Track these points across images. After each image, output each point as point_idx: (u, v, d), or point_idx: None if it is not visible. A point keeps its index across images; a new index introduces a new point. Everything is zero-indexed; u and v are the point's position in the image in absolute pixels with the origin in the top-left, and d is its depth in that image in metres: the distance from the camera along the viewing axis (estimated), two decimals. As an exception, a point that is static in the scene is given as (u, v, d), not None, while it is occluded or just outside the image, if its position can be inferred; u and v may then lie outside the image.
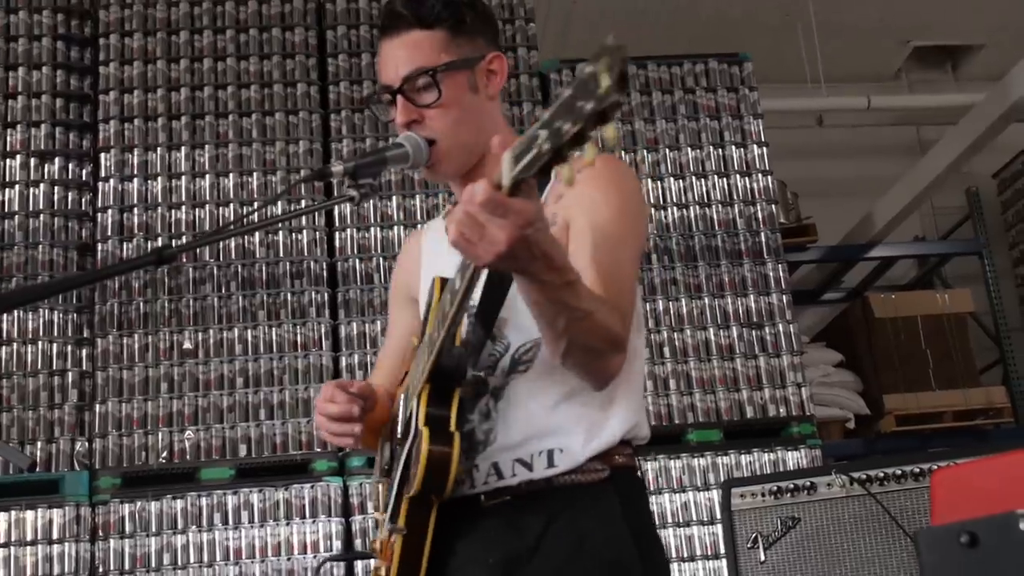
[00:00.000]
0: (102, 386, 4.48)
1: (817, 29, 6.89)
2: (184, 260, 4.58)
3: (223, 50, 4.97)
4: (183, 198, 4.73)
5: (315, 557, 4.29)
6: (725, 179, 5.09)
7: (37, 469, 4.28)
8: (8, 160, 4.72)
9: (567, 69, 5.16)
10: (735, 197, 5.06)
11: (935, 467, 3.22)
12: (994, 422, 6.28)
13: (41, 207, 4.67)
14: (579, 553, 1.94)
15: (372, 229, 4.77)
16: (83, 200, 4.77)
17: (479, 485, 1.98)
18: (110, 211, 4.69)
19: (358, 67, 5.02)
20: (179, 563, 4.28)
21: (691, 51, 5.42)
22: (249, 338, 4.58)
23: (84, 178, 4.79)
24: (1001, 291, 6.94)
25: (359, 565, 4.33)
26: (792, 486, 3.53)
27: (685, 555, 4.50)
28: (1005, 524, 2.18)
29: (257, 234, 4.69)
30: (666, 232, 4.96)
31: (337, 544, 4.35)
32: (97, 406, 4.45)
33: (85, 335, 4.58)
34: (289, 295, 4.64)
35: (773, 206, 5.10)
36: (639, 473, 2.08)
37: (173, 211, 4.71)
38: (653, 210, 4.99)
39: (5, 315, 4.51)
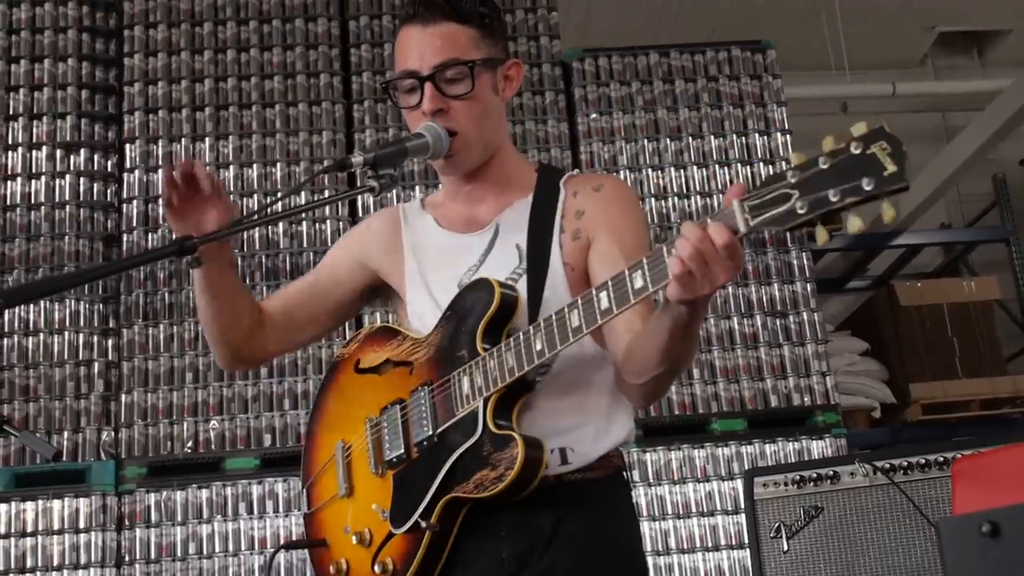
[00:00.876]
0: (128, 376, 4.51)
1: (841, 15, 6.84)
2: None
3: (246, 41, 4.98)
4: (207, 189, 4.74)
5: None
6: (749, 167, 5.06)
7: (63, 459, 4.32)
8: (34, 151, 4.75)
9: (589, 58, 5.15)
10: (759, 185, 5.02)
11: (959, 456, 3.20)
12: (1021, 410, 6.24)
13: (67, 198, 4.69)
14: (595, 541, 2.01)
15: (395, 219, 4.77)
16: (108, 191, 4.79)
17: None
18: (135, 202, 4.72)
19: (381, 57, 5.02)
20: (204, 552, 4.31)
21: (714, 39, 5.40)
22: (273, 328, 4.59)
23: (109, 169, 4.82)
24: (1028, 278, 6.89)
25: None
26: (815, 475, 3.52)
27: (709, 545, 4.50)
28: (1028, 514, 2.17)
29: (280, 224, 4.70)
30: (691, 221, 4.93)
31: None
32: (123, 396, 4.48)
33: (111, 325, 4.61)
34: (313, 285, 4.64)
35: (797, 194, 5.07)
36: (625, 474, 2.17)
37: (197, 202, 4.72)
38: (677, 199, 4.97)
39: (31, 306, 4.54)
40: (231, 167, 4.78)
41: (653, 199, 4.94)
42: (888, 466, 3.41)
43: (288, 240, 4.71)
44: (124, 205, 4.74)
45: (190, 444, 4.44)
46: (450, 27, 2.11)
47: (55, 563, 4.22)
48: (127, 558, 4.29)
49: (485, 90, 2.12)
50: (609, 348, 2.03)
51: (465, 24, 2.11)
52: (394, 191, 4.72)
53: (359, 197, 4.68)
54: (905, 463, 3.40)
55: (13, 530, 4.25)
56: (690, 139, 5.07)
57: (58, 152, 4.75)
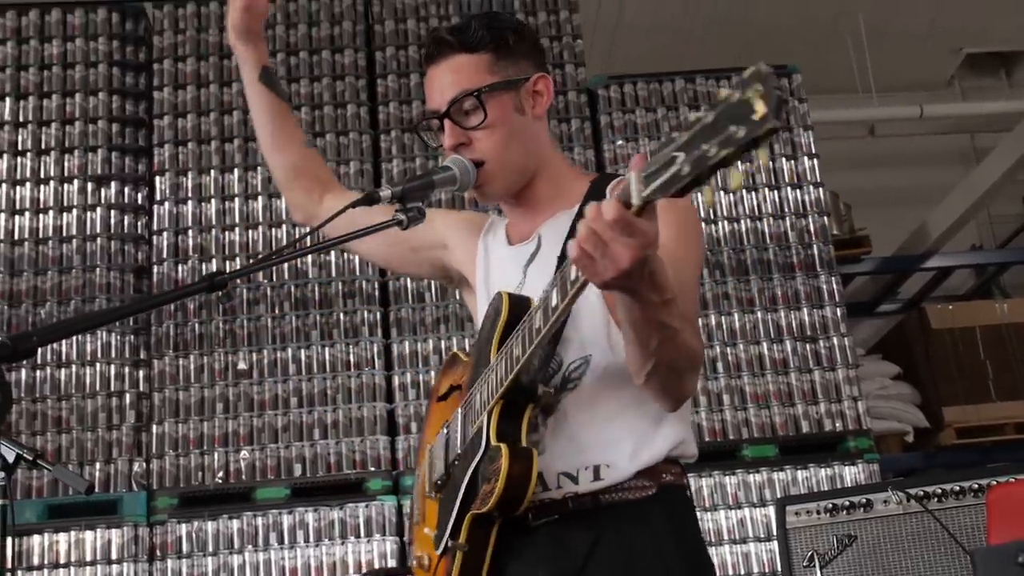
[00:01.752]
0: (159, 407, 4.53)
1: (867, 38, 6.83)
2: (236, 283, 4.62)
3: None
4: (236, 220, 4.78)
5: (370, 576, 4.31)
6: (776, 192, 5.05)
7: (95, 491, 4.34)
8: (66, 185, 4.80)
9: (615, 85, 5.16)
10: (786, 210, 5.02)
11: (994, 483, 3.16)
12: (1057, 433, 6.17)
13: (98, 231, 4.74)
14: (628, 572, 1.93)
15: (423, 248, 4.78)
16: (139, 223, 4.84)
17: None
18: (165, 234, 4.75)
19: (407, 87, 5.05)
20: (236, 582, 4.32)
21: (739, 64, 5.37)
22: (303, 358, 4.61)
23: (140, 201, 4.86)
24: (1062, 300, 6.82)
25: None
26: (848, 503, 3.49)
27: (742, 572, 4.46)
28: (1066, 543, 2.14)
29: (309, 255, 4.73)
30: (717, 246, 4.93)
31: (392, 564, 4.36)
32: (154, 427, 4.50)
33: (142, 356, 4.64)
34: (342, 315, 4.67)
35: (825, 218, 5.06)
36: (688, 492, 2.06)
37: (227, 233, 4.77)
38: (703, 224, 4.96)
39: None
40: (259, 198, 4.82)
41: (680, 225, 4.92)
42: (922, 493, 3.38)
43: (317, 270, 4.73)
44: (154, 237, 4.78)
45: (221, 474, 4.45)
46: (460, 59, 2.10)
47: (88, 594, 4.24)
48: (159, 589, 4.31)
49: (504, 114, 2.09)
50: None
51: (475, 52, 2.10)
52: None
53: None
54: (939, 490, 3.37)
55: (46, 561, 4.28)
56: (717, 164, 5.04)
57: (89, 185, 4.80)
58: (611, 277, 1.57)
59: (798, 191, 5.06)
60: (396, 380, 4.63)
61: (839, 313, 4.90)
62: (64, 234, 4.73)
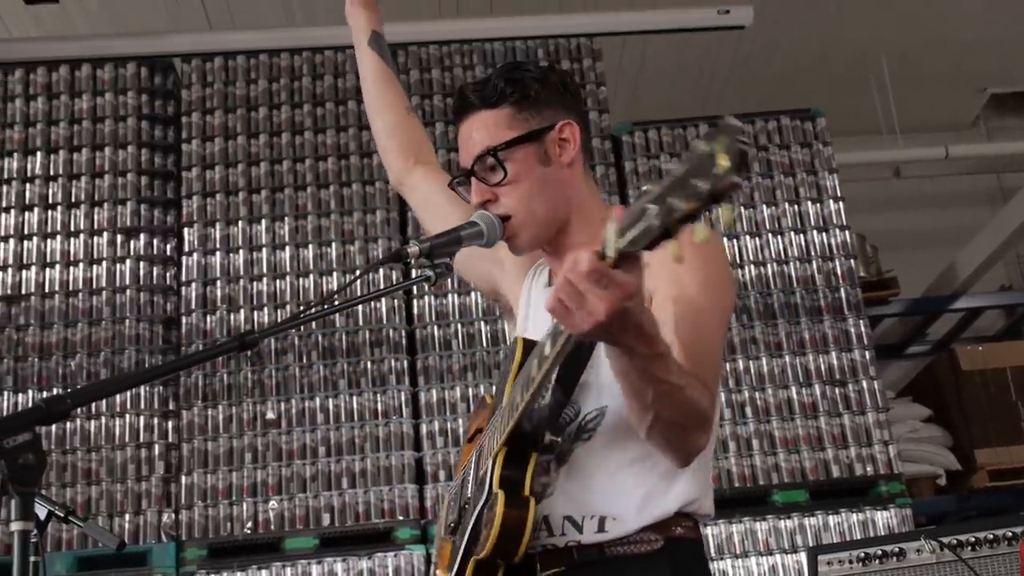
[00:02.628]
0: (187, 457, 4.54)
1: (890, 79, 6.84)
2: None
3: (301, 124, 5.07)
4: (264, 270, 4.81)
5: (399, 626, 4.29)
6: (802, 235, 5.04)
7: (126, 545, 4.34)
8: (96, 237, 4.85)
9: (639, 131, 5.19)
10: (813, 253, 5.01)
11: (1028, 530, 3.13)
12: (1091, 475, 6.09)
13: (127, 282, 4.78)
14: None
15: (450, 296, 4.80)
16: (167, 274, 4.87)
17: None
18: (194, 285, 4.79)
19: (432, 136, 5.08)
20: (265, 633, 4.31)
21: (763, 107, 5.41)
22: (331, 407, 4.62)
23: (168, 253, 4.90)
24: (1093, 340, 6.76)
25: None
26: (880, 552, 3.45)
27: (774, 619, 4.42)
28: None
29: (336, 298, 4.73)
30: (744, 290, 4.92)
31: (421, 613, 4.35)
32: (183, 478, 4.51)
33: (171, 407, 4.66)
34: (369, 363, 4.69)
35: (852, 261, 5.04)
36: (701, 546, 2.05)
37: (255, 283, 4.80)
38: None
39: (94, 389, 4.60)
40: (287, 248, 4.85)
41: (707, 270, 4.92)
42: (955, 542, 3.34)
43: (344, 319, 4.75)
44: (183, 288, 4.81)
45: (250, 525, 4.45)
46: (482, 115, 2.11)
47: (117, 647, 4.24)
48: (188, 641, 4.30)
49: (527, 168, 2.08)
50: None
51: (496, 107, 2.10)
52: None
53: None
54: (972, 538, 3.33)
55: (76, 614, 4.28)
56: (742, 208, 5.06)
57: (119, 237, 4.85)
58: (589, 328, 1.56)
59: (824, 234, 5.05)
60: (424, 428, 4.62)
61: (868, 356, 4.87)
62: (94, 286, 4.78)
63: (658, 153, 5.15)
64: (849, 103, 6.67)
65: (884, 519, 4.60)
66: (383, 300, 4.78)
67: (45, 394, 4.57)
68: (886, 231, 6.75)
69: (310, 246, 4.86)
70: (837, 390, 4.80)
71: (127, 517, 4.44)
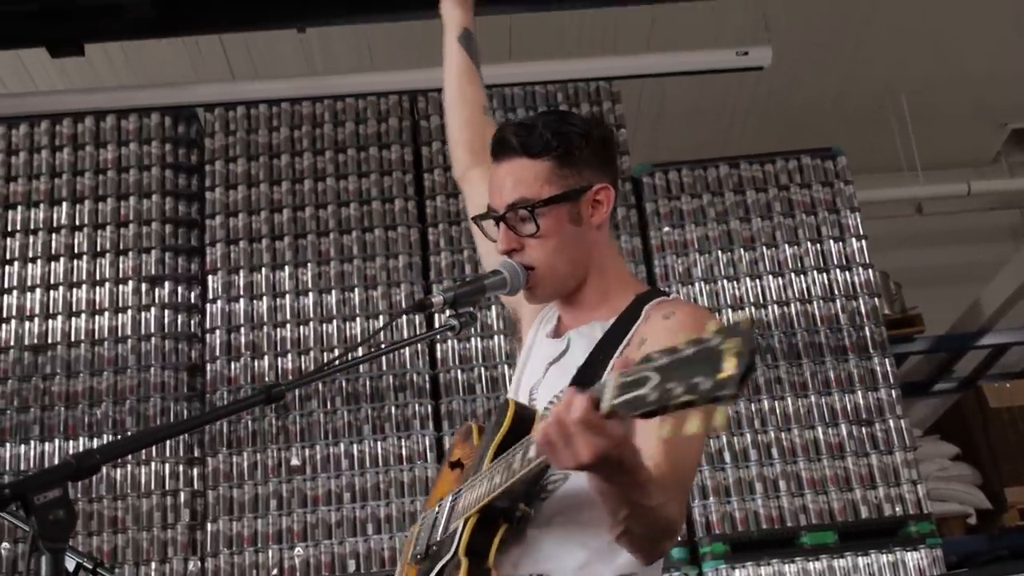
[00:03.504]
0: (213, 505, 4.55)
1: (910, 116, 6.84)
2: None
3: (323, 170, 5.11)
4: (288, 316, 4.83)
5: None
6: (825, 274, 5.03)
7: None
8: (121, 286, 4.89)
9: (659, 172, 5.19)
10: (836, 292, 5.00)
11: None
12: (1123, 512, 6.01)
13: (152, 330, 4.81)
14: None
15: (473, 340, 4.81)
16: (192, 322, 4.90)
17: None
18: (218, 332, 4.81)
19: (454, 181, 5.08)
20: None
21: (782, 146, 5.42)
22: (355, 453, 4.62)
23: (193, 300, 4.93)
24: (1122, 375, 6.70)
25: None
26: (912, 593, 3.42)
27: (805, 663, 4.37)
28: None
29: (360, 349, 4.75)
30: (768, 330, 4.91)
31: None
32: (209, 525, 4.51)
33: (196, 454, 4.66)
34: (393, 408, 4.69)
35: (876, 299, 5.02)
36: None
37: (279, 329, 4.81)
38: (753, 308, 4.95)
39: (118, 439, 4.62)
40: (310, 294, 4.87)
41: (730, 310, 4.92)
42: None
43: (367, 364, 4.74)
44: (207, 335, 4.83)
45: (275, 572, 4.44)
46: (522, 163, 2.10)
47: None
48: None
49: (559, 225, 2.09)
50: None
51: (538, 158, 2.09)
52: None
53: (436, 321, 4.71)
54: (1004, 581, 3.29)
55: (103, 664, 4.27)
56: (764, 248, 5.06)
57: (143, 286, 4.88)
58: (571, 467, 1.60)
59: (847, 272, 5.03)
60: (449, 473, 4.61)
61: (894, 395, 4.84)
62: (119, 334, 4.81)
63: (679, 194, 5.16)
64: (869, 140, 6.67)
65: (914, 560, 4.56)
66: (406, 347, 4.78)
67: (71, 443, 4.61)
68: (909, 268, 6.73)
69: (333, 292, 4.88)
70: (864, 429, 4.77)
71: (153, 565, 4.44)
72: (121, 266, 4.93)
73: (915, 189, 7.10)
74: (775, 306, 4.96)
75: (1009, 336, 6.74)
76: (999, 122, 7.47)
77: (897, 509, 4.65)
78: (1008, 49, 6.49)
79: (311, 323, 4.82)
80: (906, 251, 7.05)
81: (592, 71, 5.31)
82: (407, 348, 4.77)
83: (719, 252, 5.05)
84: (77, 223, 4.99)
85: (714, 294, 4.95)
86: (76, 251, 4.94)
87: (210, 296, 4.90)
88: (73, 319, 4.83)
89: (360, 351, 2.58)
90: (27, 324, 4.82)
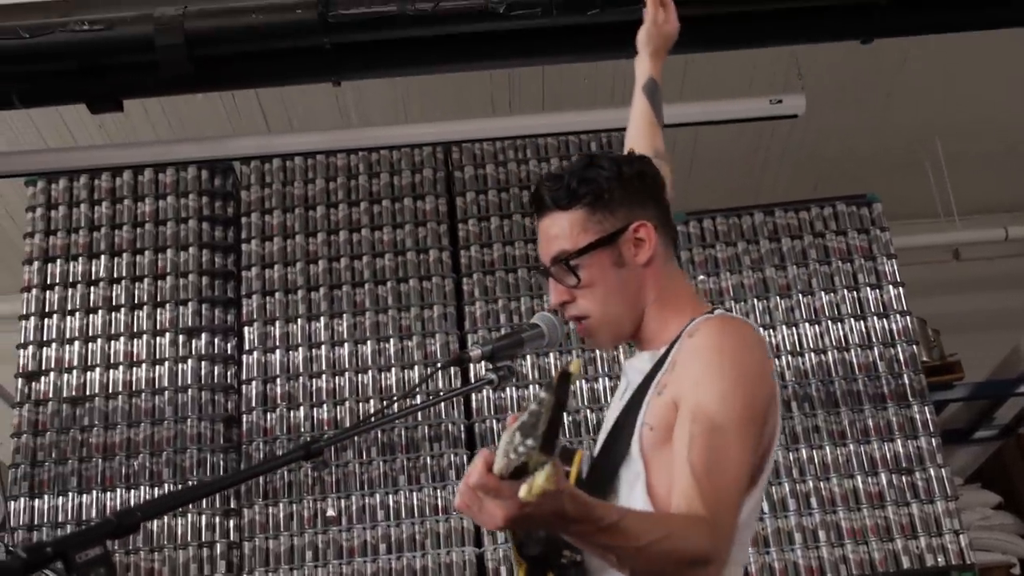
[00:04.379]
0: (249, 556, 4.54)
1: (945, 162, 6.80)
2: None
3: (358, 222, 5.14)
4: (323, 367, 4.85)
5: None
6: (862, 322, 4.99)
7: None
8: (158, 338, 4.92)
9: (694, 220, 5.19)
10: (874, 339, 4.96)
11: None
12: None
13: (189, 382, 4.83)
14: None
15: (508, 389, 4.79)
16: (228, 373, 4.92)
17: None
18: (254, 383, 4.83)
19: (487, 231, 5.12)
20: None
21: (817, 193, 5.41)
22: (391, 503, 4.61)
23: (229, 352, 4.96)
24: None
25: None
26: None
27: None
28: None
29: (397, 403, 4.75)
30: (805, 379, 4.87)
31: None
32: (245, 577, 4.51)
33: (232, 506, 4.67)
34: (428, 459, 4.68)
35: (914, 346, 4.98)
36: None
37: (314, 380, 4.83)
38: (790, 356, 4.91)
39: (155, 490, 4.64)
40: (346, 344, 4.88)
41: (766, 358, 4.88)
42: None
43: (403, 416, 4.74)
44: (243, 386, 4.85)
45: (311, 624, 4.42)
46: (555, 217, 2.10)
47: None
48: None
49: (602, 272, 2.08)
50: None
51: (569, 209, 2.09)
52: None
53: (471, 371, 4.71)
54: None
55: None
56: (800, 296, 5.03)
57: (180, 337, 4.91)
58: (497, 528, 1.60)
59: (885, 320, 5.00)
60: (484, 524, 4.58)
61: (934, 443, 4.78)
62: (156, 386, 4.83)
63: (713, 242, 5.15)
64: (905, 186, 6.63)
65: (958, 611, 4.48)
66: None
67: (108, 495, 4.62)
68: (947, 314, 6.66)
69: (368, 342, 4.89)
70: (904, 478, 4.71)
71: (189, 618, 4.43)
72: (158, 318, 4.97)
73: (952, 235, 7.05)
74: (812, 354, 4.93)
75: (1050, 382, 6.65)
76: (1035, 167, 7.42)
77: (940, 559, 4.58)
78: (1042, 94, 6.46)
79: (346, 374, 4.83)
80: (944, 297, 6.98)
81: (626, 121, 5.30)
82: (442, 402, 4.75)
83: (755, 300, 5.03)
84: (115, 275, 5.04)
85: (750, 342, 4.92)
86: (114, 303, 4.99)
87: (246, 347, 4.93)
88: (111, 371, 4.86)
89: (397, 405, 2.58)
90: (65, 376, 4.85)
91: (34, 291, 5.02)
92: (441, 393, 4.76)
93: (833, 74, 5.93)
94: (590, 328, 2.11)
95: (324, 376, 4.83)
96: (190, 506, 4.60)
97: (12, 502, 4.64)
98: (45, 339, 4.93)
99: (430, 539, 4.55)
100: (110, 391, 4.83)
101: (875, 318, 5.00)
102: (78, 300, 4.99)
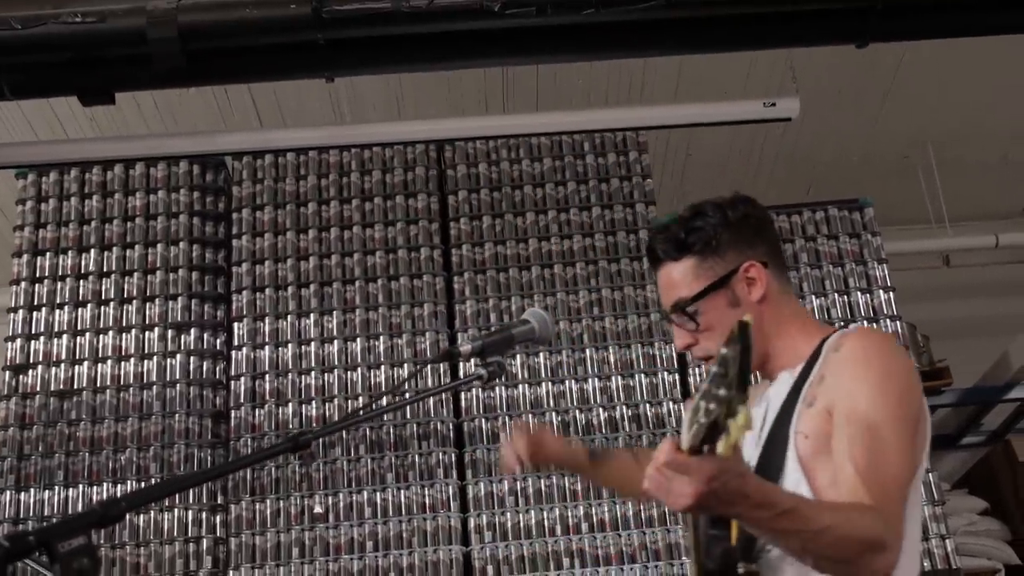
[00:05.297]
0: (235, 552, 4.53)
1: (938, 168, 6.81)
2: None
3: (349, 219, 5.13)
4: (312, 364, 4.84)
5: None
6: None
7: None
8: (147, 332, 4.91)
9: (686, 222, 5.17)
10: (864, 344, 4.95)
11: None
12: None
13: (177, 377, 4.82)
14: None
15: (497, 388, 4.79)
16: (217, 369, 4.91)
17: None
18: (243, 379, 4.82)
19: (479, 230, 5.11)
20: None
21: (810, 197, 5.41)
22: (378, 501, 4.60)
23: (218, 347, 4.94)
24: None
25: None
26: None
27: None
28: None
29: (386, 398, 4.75)
30: (794, 382, 4.86)
31: None
32: (231, 572, 4.49)
33: (219, 501, 4.65)
34: (416, 457, 4.67)
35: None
36: None
37: (303, 377, 4.82)
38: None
39: (141, 485, 4.62)
40: (335, 342, 4.87)
41: (756, 361, 4.89)
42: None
43: (391, 413, 4.73)
44: (232, 382, 4.84)
45: (297, 622, 4.41)
46: (668, 268, 2.22)
47: None
48: None
49: (719, 313, 2.17)
50: None
51: (680, 259, 2.19)
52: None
53: (460, 368, 4.70)
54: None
55: None
56: (791, 299, 5.02)
57: (169, 332, 4.90)
58: (683, 508, 1.64)
59: (874, 324, 5.00)
60: (472, 522, 4.58)
61: (923, 449, 4.77)
62: (144, 380, 4.82)
63: (705, 244, 5.13)
64: (897, 192, 6.64)
65: (944, 617, 4.49)
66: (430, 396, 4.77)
67: (95, 489, 4.60)
68: (937, 320, 6.67)
69: (358, 340, 4.88)
70: (892, 483, 4.71)
71: (174, 613, 4.42)
72: (147, 312, 4.95)
73: (943, 241, 7.05)
74: (802, 357, 4.92)
75: (1038, 389, 6.66)
76: (1027, 174, 7.43)
77: (925, 564, 4.58)
78: (1035, 101, 6.47)
79: (336, 371, 4.82)
80: (934, 303, 6.99)
81: (620, 121, 5.31)
82: (431, 397, 4.76)
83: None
84: (105, 270, 5.02)
85: (740, 345, 4.92)
86: (103, 297, 4.97)
87: (235, 343, 4.91)
88: (99, 365, 4.85)
89: (386, 400, 2.57)
90: (53, 370, 4.84)
91: (23, 284, 5.00)
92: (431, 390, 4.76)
93: (828, 78, 5.93)
94: None
95: (313, 373, 4.82)
96: (176, 501, 4.59)
97: (-2, 495, 4.62)
98: (33, 332, 4.91)
99: (417, 537, 4.54)
100: (98, 385, 4.81)
101: (865, 323, 5.00)
102: (67, 293, 4.98)
